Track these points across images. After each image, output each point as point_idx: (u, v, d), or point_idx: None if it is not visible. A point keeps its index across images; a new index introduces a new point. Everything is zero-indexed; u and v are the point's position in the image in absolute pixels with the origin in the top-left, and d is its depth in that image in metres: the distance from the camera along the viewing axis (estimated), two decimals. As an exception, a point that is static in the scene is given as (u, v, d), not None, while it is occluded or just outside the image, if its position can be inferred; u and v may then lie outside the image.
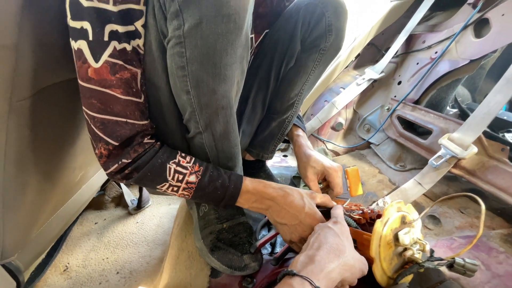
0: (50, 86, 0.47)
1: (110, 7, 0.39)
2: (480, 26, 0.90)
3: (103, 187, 1.32)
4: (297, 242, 0.54)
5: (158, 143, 0.50)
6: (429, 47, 1.05)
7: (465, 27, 0.92)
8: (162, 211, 1.27)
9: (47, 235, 0.69)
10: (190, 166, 0.50)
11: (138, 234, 1.17)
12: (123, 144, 0.44)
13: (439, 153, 0.79)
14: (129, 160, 0.45)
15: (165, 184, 0.49)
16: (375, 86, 1.26)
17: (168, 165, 0.48)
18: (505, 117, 1.04)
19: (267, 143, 0.83)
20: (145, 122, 0.47)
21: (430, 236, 0.71)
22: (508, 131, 0.98)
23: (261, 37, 0.73)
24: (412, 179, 0.84)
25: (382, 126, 1.09)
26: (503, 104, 0.72)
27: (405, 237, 0.55)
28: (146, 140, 0.47)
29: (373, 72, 1.22)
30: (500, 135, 0.95)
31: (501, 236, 0.62)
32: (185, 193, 0.51)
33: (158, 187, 0.49)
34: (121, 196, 1.33)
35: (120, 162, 0.45)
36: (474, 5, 0.92)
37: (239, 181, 0.53)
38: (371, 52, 1.36)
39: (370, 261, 0.51)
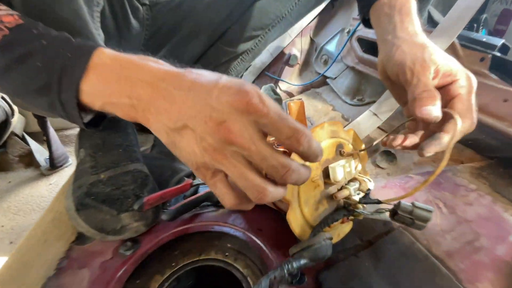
0: None
1: None
2: None
3: (2, 142, 1.06)
4: (214, 162, 0.24)
5: None
6: None
7: None
8: (82, 170, 1.05)
9: None
10: None
11: (48, 197, 0.99)
12: None
13: (401, 72, 0.60)
14: None
15: None
16: (335, 5, 1.01)
17: None
18: (484, 40, 0.85)
19: None
20: None
21: (382, 176, 0.54)
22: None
23: None
24: (367, 111, 0.65)
25: (340, 52, 0.88)
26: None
27: (338, 171, 0.36)
28: None
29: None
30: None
31: (471, 170, 0.46)
32: None
33: None
34: (30, 154, 1.09)
35: None
36: None
37: (89, 43, 0.28)
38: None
39: (287, 205, 0.36)
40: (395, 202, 0.35)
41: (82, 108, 0.28)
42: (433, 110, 0.31)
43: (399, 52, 0.35)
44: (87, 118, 0.32)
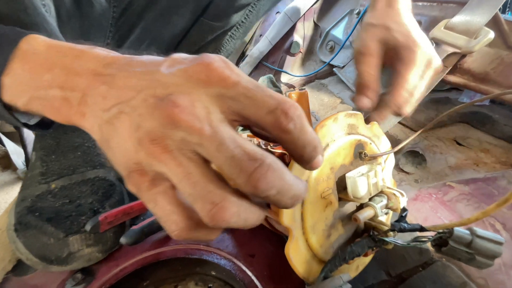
0: None
1: None
2: None
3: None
4: (151, 159, 0.15)
5: None
6: None
7: None
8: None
9: None
10: None
11: (20, 204, 0.88)
12: None
13: (429, 53, 0.48)
14: None
15: None
16: (343, -15, 0.90)
17: None
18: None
19: None
20: None
21: (408, 184, 0.43)
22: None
23: None
24: (385, 102, 0.54)
25: (349, 37, 0.76)
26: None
27: (360, 183, 0.25)
28: None
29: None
30: None
31: (532, 176, 0.35)
32: None
33: None
34: (7, 156, 1.00)
35: None
36: None
37: (16, 30, 0.22)
38: None
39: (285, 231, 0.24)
40: (444, 230, 0.23)
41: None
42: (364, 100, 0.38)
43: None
44: (34, 119, 0.26)
